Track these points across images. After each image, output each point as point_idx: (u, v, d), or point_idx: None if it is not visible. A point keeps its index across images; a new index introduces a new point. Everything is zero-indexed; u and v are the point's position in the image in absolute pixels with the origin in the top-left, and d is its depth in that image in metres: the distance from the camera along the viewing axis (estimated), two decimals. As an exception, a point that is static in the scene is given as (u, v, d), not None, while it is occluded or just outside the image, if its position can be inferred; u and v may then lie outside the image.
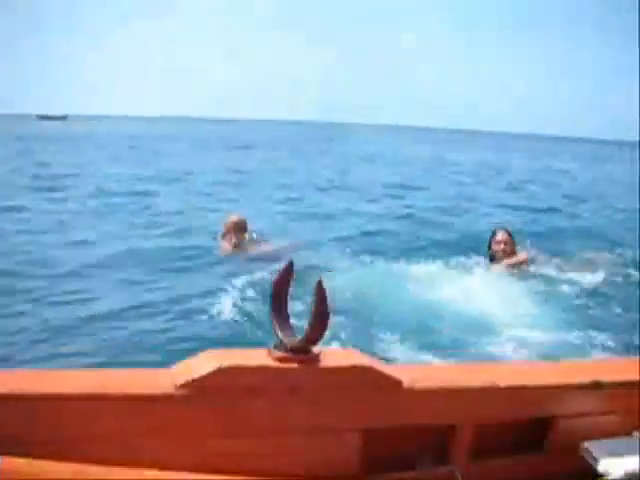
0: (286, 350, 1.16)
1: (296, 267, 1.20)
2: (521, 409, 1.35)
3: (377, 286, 5.28)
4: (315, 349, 1.17)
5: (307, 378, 1.16)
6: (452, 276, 5.67)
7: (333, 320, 3.79)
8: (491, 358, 3.92)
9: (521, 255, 5.92)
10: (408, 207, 12.06)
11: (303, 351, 1.16)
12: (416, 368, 1.41)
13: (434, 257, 6.60)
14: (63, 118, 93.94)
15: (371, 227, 9.47)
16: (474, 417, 1.32)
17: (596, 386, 1.36)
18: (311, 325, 1.13)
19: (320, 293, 1.12)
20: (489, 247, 6.00)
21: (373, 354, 3.53)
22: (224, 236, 6.93)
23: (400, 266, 6.13)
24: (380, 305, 4.76)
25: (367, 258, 6.70)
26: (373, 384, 1.20)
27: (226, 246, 6.85)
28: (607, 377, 1.39)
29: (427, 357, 3.79)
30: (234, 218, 7.07)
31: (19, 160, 18.29)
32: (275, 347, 1.17)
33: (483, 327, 4.48)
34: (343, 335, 4.04)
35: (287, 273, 1.17)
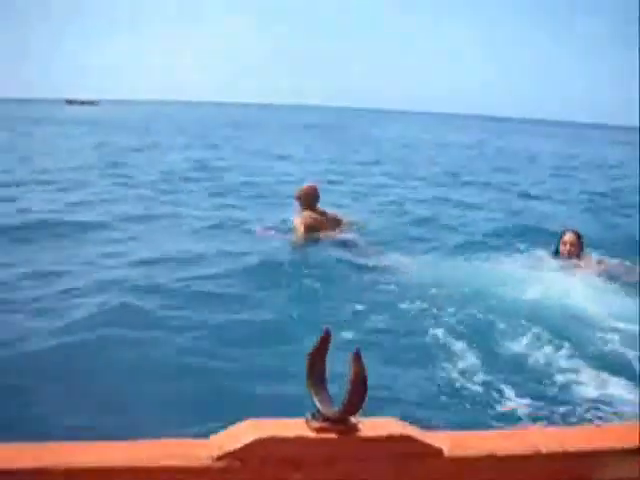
0: (324, 420, 1.13)
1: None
2: (564, 475, 1.28)
3: (470, 282, 5.60)
4: (353, 419, 1.14)
5: (345, 449, 1.14)
6: (531, 271, 5.97)
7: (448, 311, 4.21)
8: (600, 347, 4.24)
9: (587, 260, 6.12)
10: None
11: (341, 421, 1.13)
12: (456, 435, 1.28)
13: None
14: (93, 103, 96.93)
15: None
16: None
17: None
18: (349, 396, 1.11)
19: (357, 363, 1.09)
20: (557, 245, 6.24)
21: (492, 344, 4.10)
22: (299, 205, 7.04)
23: (481, 262, 6.52)
24: (479, 299, 5.10)
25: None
26: (413, 453, 1.16)
27: (299, 231, 6.82)
28: None
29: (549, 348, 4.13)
30: (306, 187, 7.10)
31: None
32: (313, 417, 1.15)
33: (585, 319, 4.72)
34: (462, 328, 4.44)
35: (324, 342, 1.14)
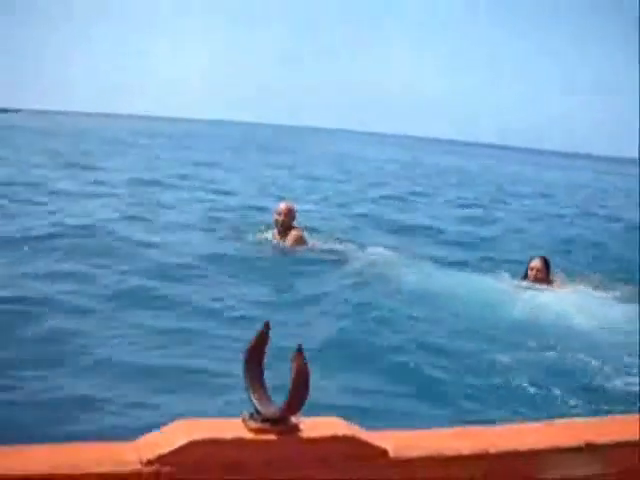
0: (263, 421, 1.06)
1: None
2: (513, 475, 1.26)
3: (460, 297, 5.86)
4: (294, 419, 1.08)
5: (286, 450, 1.07)
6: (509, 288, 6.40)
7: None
8: (605, 353, 4.54)
9: (556, 283, 6.64)
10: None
11: (281, 421, 1.06)
12: (403, 435, 1.24)
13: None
14: (16, 111, 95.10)
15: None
16: None
17: (590, 448, 1.27)
18: (290, 394, 1.04)
19: (299, 361, 1.03)
20: (525, 270, 6.69)
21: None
22: (277, 225, 7.16)
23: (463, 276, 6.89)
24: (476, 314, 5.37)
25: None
26: (357, 455, 1.11)
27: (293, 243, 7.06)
28: (601, 438, 1.30)
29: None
30: (282, 206, 7.19)
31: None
32: (251, 417, 1.07)
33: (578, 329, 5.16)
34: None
35: (262, 337, 1.07)
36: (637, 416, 1.47)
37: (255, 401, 1.07)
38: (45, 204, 9.60)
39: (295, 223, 7.28)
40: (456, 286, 6.24)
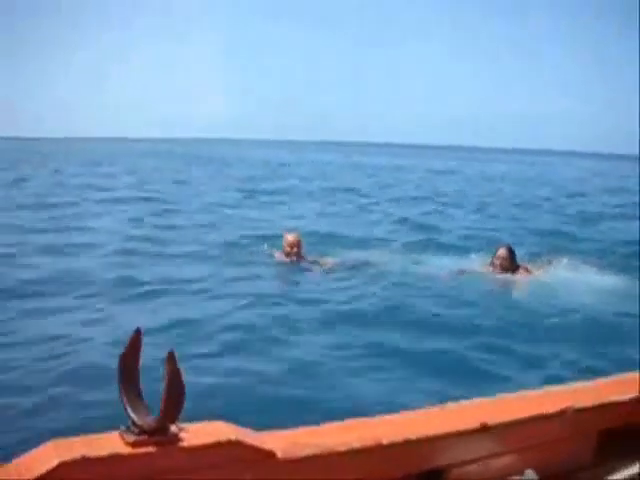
0: (140, 432, 1.00)
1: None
2: (408, 464, 1.24)
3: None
4: (174, 427, 1.02)
5: (166, 462, 1.01)
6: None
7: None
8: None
9: (521, 270, 6.95)
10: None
11: (159, 431, 1.00)
12: (293, 434, 1.20)
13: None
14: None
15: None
16: (357, 479, 1.21)
17: (484, 429, 1.29)
18: (165, 401, 0.98)
19: (172, 364, 0.97)
20: (492, 259, 6.97)
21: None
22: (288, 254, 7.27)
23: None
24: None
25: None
26: (242, 458, 1.06)
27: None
28: (495, 418, 1.32)
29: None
30: (291, 238, 7.31)
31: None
32: (128, 430, 1.01)
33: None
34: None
35: (135, 344, 1.01)
36: (529, 393, 1.48)
37: (131, 412, 1.01)
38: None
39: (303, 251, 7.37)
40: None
